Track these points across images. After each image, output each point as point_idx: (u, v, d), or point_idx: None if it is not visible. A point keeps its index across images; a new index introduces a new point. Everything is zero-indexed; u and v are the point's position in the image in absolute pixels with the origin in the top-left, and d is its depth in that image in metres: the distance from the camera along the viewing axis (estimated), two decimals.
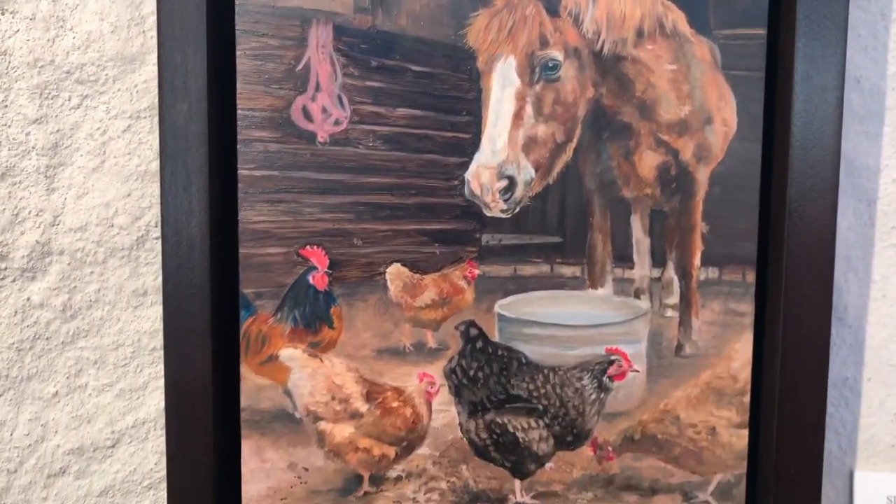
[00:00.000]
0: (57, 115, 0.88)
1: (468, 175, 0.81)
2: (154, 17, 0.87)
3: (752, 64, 0.80)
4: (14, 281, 0.89)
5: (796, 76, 0.78)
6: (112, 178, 0.89)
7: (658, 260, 0.84)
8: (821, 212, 0.79)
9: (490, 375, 0.84)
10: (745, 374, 0.84)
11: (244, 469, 0.84)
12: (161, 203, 0.82)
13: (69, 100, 0.88)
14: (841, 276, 0.90)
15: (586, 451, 0.85)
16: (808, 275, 0.80)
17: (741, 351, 0.84)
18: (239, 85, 0.79)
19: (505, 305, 0.84)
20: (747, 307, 0.83)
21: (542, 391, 0.84)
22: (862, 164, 0.89)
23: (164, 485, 0.92)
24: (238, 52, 0.79)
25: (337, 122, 0.80)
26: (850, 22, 0.87)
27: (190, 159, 0.79)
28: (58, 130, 0.88)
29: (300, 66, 0.80)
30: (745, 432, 0.84)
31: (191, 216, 0.80)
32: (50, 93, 0.88)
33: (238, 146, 0.81)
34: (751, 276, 0.83)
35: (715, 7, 0.79)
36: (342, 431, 0.84)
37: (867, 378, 0.91)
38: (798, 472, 0.83)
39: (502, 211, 0.82)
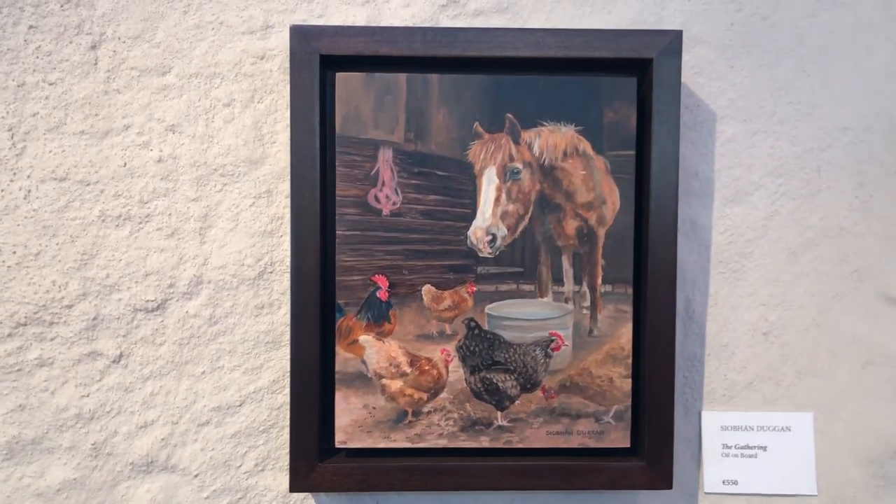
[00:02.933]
0: (207, 196, 1.11)
1: (469, 233, 1.04)
2: (270, 135, 1.10)
3: (627, 170, 1.05)
4: (178, 300, 1.12)
5: (652, 176, 1.03)
6: (242, 235, 1.11)
7: (577, 281, 1.05)
8: (667, 252, 1.04)
9: (482, 350, 1.06)
10: (629, 347, 1.06)
11: (337, 409, 1.06)
12: (291, 250, 1.03)
13: (215, 186, 1.11)
14: (690, 292, 1.14)
15: (539, 393, 1.06)
16: (661, 290, 1.05)
17: (626, 333, 1.06)
18: (338, 182, 1.03)
19: (492, 308, 1.06)
20: (628, 308, 1.06)
21: (513, 358, 1.06)
22: (701, 224, 1.14)
23: (274, 430, 1.12)
24: (337, 162, 1.03)
25: (394, 204, 1.04)
26: (689, 139, 1.12)
27: (308, 224, 1.03)
28: (207, 206, 1.11)
29: (373, 171, 1.04)
30: (630, 381, 1.06)
31: (308, 257, 1.03)
32: (203, 182, 1.11)
33: (336, 217, 1.03)
34: (630, 290, 1.06)
35: (607, 138, 1.03)
36: (395, 384, 1.06)
37: (708, 354, 1.15)
38: (658, 405, 1.06)
39: (489, 253, 1.05)
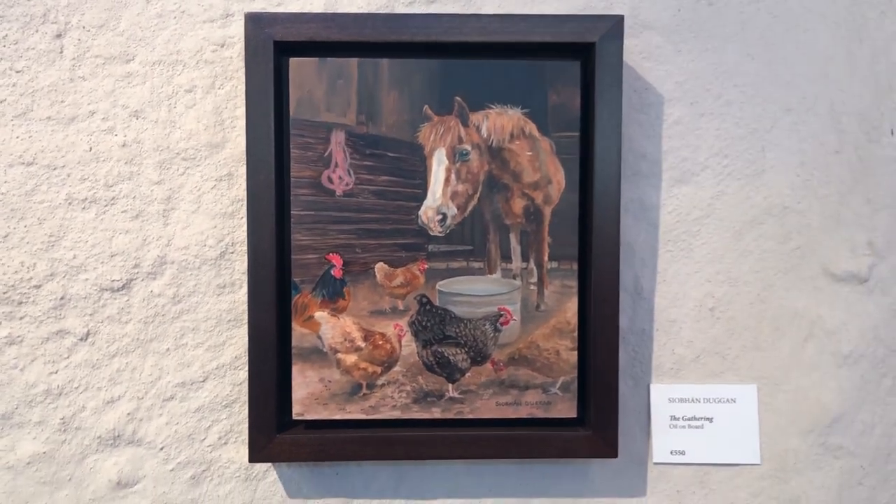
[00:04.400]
0: (170, 179, 1.13)
1: (420, 212, 1.07)
2: (230, 120, 1.13)
3: (572, 150, 1.08)
4: (143, 280, 1.14)
5: (596, 156, 1.06)
6: (204, 217, 1.13)
7: (524, 258, 1.08)
8: (611, 229, 1.07)
9: (434, 325, 1.09)
10: (574, 321, 1.09)
11: (294, 382, 1.08)
12: (247, 230, 1.05)
13: (178, 170, 1.13)
14: (639, 270, 1.16)
15: (488, 366, 1.09)
16: (605, 266, 1.08)
17: (572, 307, 1.09)
18: (292, 164, 1.06)
19: (442, 284, 1.08)
20: (574, 283, 1.09)
21: (463, 332, 1.09)
22: (649, 203, 1.16)
23: (237, 405, 1.15)
24: (292, 145, 1.06)
25: (347, 185, 1.07)
26: (637, 121, 1.14)
27: (263, 205, 1.05)
28: (170, 189, 1.13)
29: (326, 153, 1.06)
30: (576, 353, 1.09)
31: (264, 237, 1.06)
32: (166, 166, 1.13)
33: (291, 198, 1.06)
34: (575, 266, 1.09)
35: (552, 119, 1.07)
36: (350, 358, 1.08)
37: (656, 329, 1.18)
38: (603, 375, 1.09)
39: (439, 232, 1.07)
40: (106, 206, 1.13)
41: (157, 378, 1.15)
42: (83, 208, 1.13)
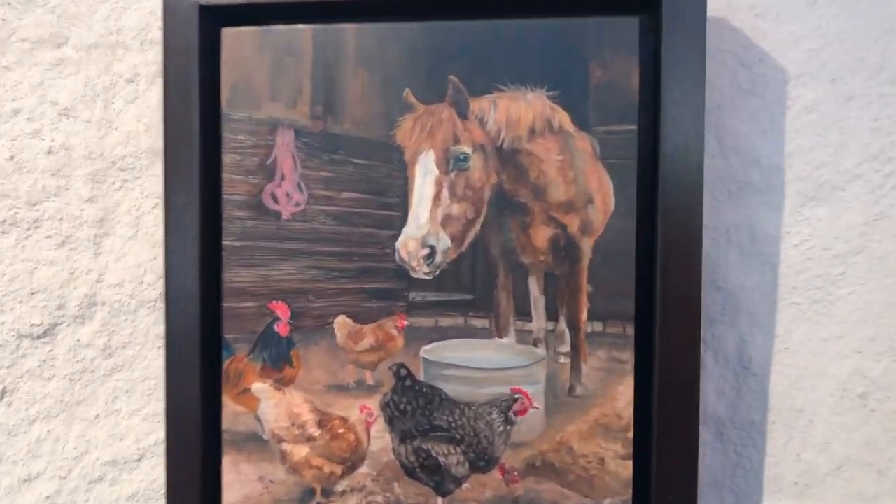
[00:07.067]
0: (104, 196, 1.01)
1: (398, 244, 0.90)
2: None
3: (625, 153, 0.87)
4: (69, 325, 1.01)
5: (664, 160, 0.85)
6: (143, 245, 1.01)
7: (551, 315, 0.90)
8: (688, 273, 0.85)
9: (417, 409, 0.91)
10: (628, 413, 0.89)
11: (225, 480, 0.94)
12: (165, 267, 0.91)
13: (113, 184, 1.01)
14: (746, 331, 0.95)
15: (496, 474, 0.91)
16: (679, 330, 0.85)
17: (624, 392, 0.89)
18: (224, 176, 0.91)
19: (428, 351, 0.91)
20: (628, 356, 0.89)
21: (459, 423, 0.91)
22: (763, 231, 0.95)
23: None
24: (223, 149, 0.91)
25: (297, 204, 0.91)
26: (745, 109, 0.94)
27: (187, 234, 0.90)
28: (104, 208, 1.01)
29: (269, 161, 0.91)
30: (630, 463, 0.89)
31: (185, 277, 0.90)
32: (100, 178, 1.01)
33: (223, 222, 0.91)
34: (630, 330, 0.88)
35: (593, 108, 0.87)
36: (300, 451, 0.93)
37: (772, 422, 0.95)
38: (676, 497, 0.86)
39: (426, 273, 0.91)
40: (28, 229, 1.02)
41: (83, 452, 1.03)
42: (2, 232, 1.02)
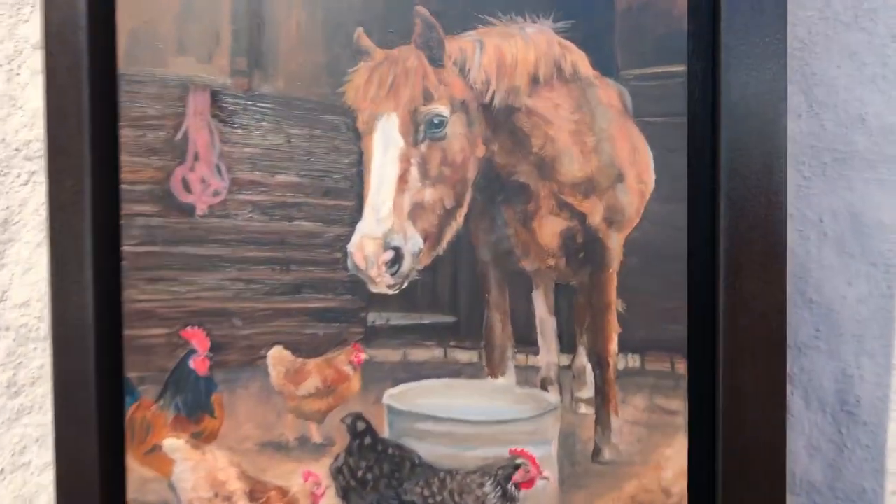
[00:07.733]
0: (8, 192, 0.90)
1: (351, 247, 0.76)
2: None
3: (670, 108, 0.72)
4: None
5: (725, 121, 0.71)
6: None
7: (567, 344, 0.77)
8: (766, 285, 0.71)
9: (380, 477, 0.78)
10: (681, 488, 0.74)
11: None
12: (49, 285, 0.80)
13: (19, 177, 0.90)
14: (851, 362, 0.82)
15: None
16: (754, 363, 0.71)
17: (673, 458, 0.75)
18: (122, 157, 0.78)
19: (395, 396, 0.78)
20: (679, 404, 0.74)
21: (439, 498, 0.77)
22: (873, 219, 0.80)
23: None
24: (121, 123, 0.78)
25: (216, 193, 0.78)
26: (851, 48, 0.81)
27: (72, 237, 0.78)
28: (8, 207, 0.90)
29: (179, 136, 0.78)
30: None
31: (73, 297, 0.78)
32: (3, 171, 0.90)
33: (121, 221, 0.78)
34: (681, 366, 0.74)
35: (622, 44, 0.73)
36: None
37: (890, 490, 0.81)
38: None
39: (389, 286, 0.77)
40: None
41: None
42: None
